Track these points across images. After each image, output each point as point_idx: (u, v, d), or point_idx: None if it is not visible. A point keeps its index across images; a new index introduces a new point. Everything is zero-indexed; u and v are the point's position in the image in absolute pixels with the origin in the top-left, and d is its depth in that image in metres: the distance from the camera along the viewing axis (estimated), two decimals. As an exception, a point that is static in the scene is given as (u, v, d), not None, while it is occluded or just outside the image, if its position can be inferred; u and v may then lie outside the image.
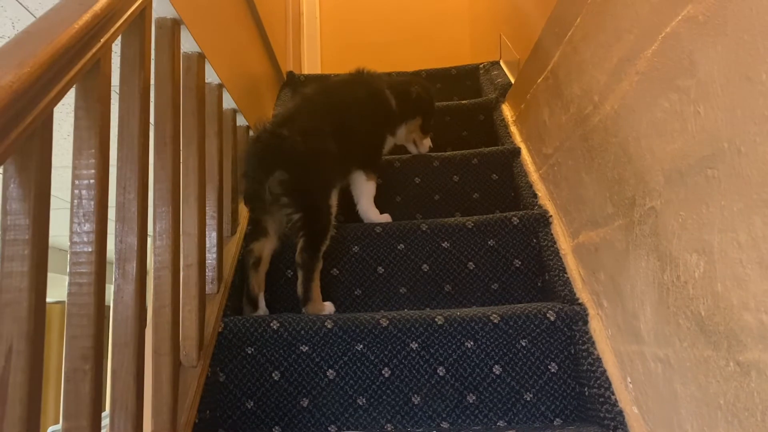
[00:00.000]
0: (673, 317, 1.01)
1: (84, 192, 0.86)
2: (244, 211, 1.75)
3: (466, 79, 2.73)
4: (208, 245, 1.45)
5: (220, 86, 1.58)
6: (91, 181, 0.87)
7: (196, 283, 1.30)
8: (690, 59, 0.93)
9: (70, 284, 0.84)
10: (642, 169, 1.12)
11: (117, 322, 0.98)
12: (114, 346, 0.98)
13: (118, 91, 1.04)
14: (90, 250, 0.85)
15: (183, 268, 1.29)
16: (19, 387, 0.68)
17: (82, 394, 0.82)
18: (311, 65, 3.28)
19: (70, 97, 0.89)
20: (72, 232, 0.85)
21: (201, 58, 1.39)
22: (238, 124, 1.78)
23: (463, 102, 2.41)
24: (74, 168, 0.87)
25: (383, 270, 1.69)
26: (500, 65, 2.64)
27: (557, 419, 1.36)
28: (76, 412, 0.82)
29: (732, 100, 0.83)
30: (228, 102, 1.66)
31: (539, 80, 1.79)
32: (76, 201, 0.86)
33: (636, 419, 1.16)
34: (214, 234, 1.49)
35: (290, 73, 2.69)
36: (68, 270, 0.85)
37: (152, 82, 1.18)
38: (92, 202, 0.86)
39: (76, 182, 0.87)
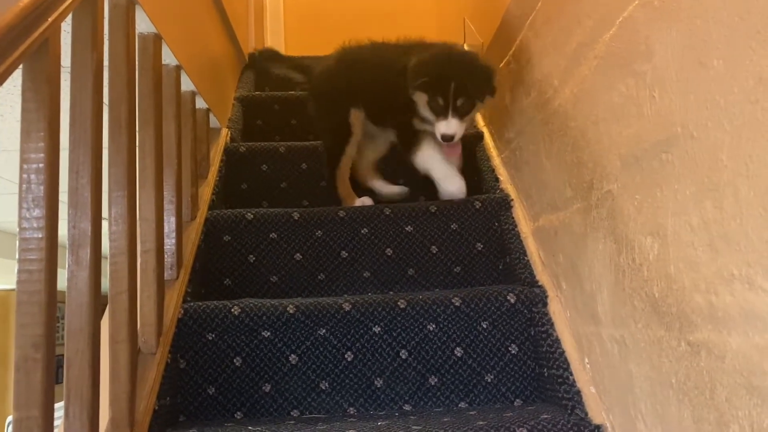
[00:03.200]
0: (628, 299, 1.03)
1: (33, 176, 0.84)
2: (204, 196, 1.73)
3: (430, 63, 2.71)
4: (166, 230, 1.42)
5: (178, 68, 1.54)
6: (40, 165, 0.84)
7: (154, 269, 1.28)
8: (646, 44, 0.94)
9: (19, 271, 0.82)
10: (599, 153, 1.13)
11: (71, 309, 0.96)
12: (68, 334, 0.96)
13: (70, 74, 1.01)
14: (40, 236, 0.82)
15: (140, 253, 1.27)
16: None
17: (33, 383, 0.80)
18: (274, 47, 3.22)
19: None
20: (21, 218, 0.82)
21: (157, 38, 1.36)
22: (197, 106, 1.75)
23: (427, 86, 2.40)
24: (22, 152, 0.84)
25: (347, 254, 1.69)
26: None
27: (517, 400, 1.38)
28: (27, 401, 0.80)
29: (686, 85, 0.84)
30: (187, 84, 1.63)
31: (501, 64, 1.80)
32: (24, 186, 0.83)
33: (593, 399, 1.19)
34: (173, 219, 1.46)
35: (252, 55, 2.65)
36: (17, 257, 0.82)
37: (106, 63, 1.14)
38: (41, 187, 0.83)
39: (25, 166, 0.84)
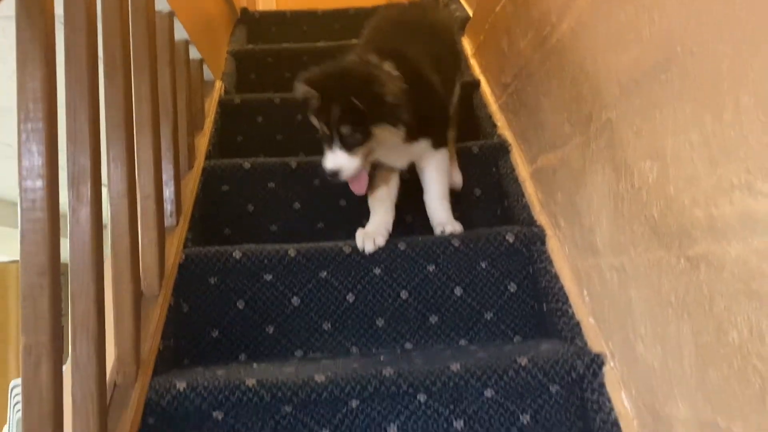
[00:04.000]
0: (628, 225, 1.04)
1: (31, 105, 0.83)
2: (201, 146, 1.72)
3: (424, 15, 2.69)
4: (165, 178, 1.42)
5: (171, 14, 1.52)
6: (38, 93, 0.84)
7: (154, 214, 1.28)
8: (645, -35, 0.93)
9: (23, 200, 0.82)
10: (598, 84, 1.13)
11: (74, 246, 0.96)
12: (72, 271, 0.96)
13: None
14: (41, 162, 0.82)
15: (140, 199, 1.27)
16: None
17: (40, 309, 0.81)
18: (265, 2, 3.19)
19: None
20: (21, 146, 0.82)
21: (149, -19, 1.34)
22: (191, 57, 1.73)
23: (422, 37, 2.37)
24: (19, 82, 0.83)
25: (345, 203, 1.69)
26: None
27: (517, 336, 1.40)
28: (35, 327, 0.81)
29: (686, 4, 0.83)
30: (180, 33, 1.61)
31: (497, 9, 1.78)
32: (23, 114, 0.83)
33: (592, 329, 1.21)
34: (171, 167, 1.46)
35: (244, 10, 2.61)
36: (19, 186, 0.82)
37: (99, 7, 1.13)
38: (40, 114, 0.83)
39: (22, 95, 0.83)
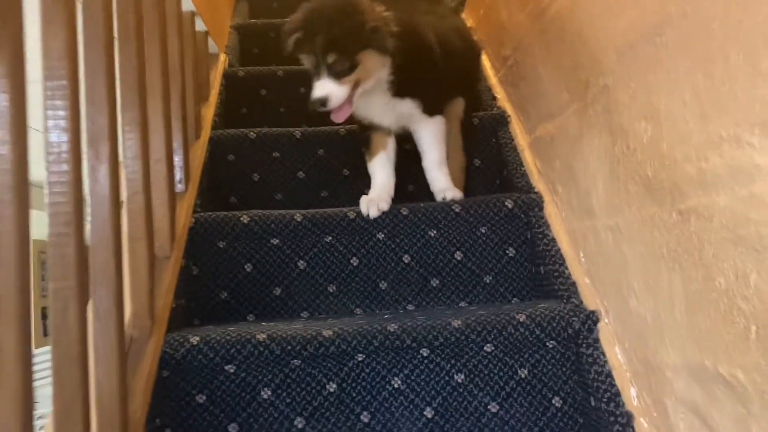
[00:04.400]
0: (623, 185, 1.09)
1: (55, 63, 0.87)
2: (207, 117, 1.76)
3: (424, -9, 2.71)
4: (174, 146, 1.45)
5: (179, -15, 1.55)
6: (62, 50, 0.87)
7: (165, 177, 1.32)
8: (642, -68, 0.97)
9: (48, 154, 0.86)
10: (596, 50, 1.17)
11: (94, 202, 1.00)
12: (93, 225, 1.00)
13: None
14: (65, 117, 0.86)
15: (152, 163, 1.30)
16: (6, 233, 0.71)
17: (67, 256, 0.85)
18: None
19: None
20: (46, 101, 0.86)
21: (158, -49, 1.37)
22: (197, 29, 1.76)
23: (422, 13, 2.41)
24: (43, 40, 0.87)
25: (349, 172, 1.73)
26: (458, -23, 2.64)
27: (515, 299, 1.45)
28: (63, 274, 0.85)
29: (679, -35, 0.87)
30: (187, 5, 1.64)
31: (497, -18, 1.82)
32: (47, 72, 0.87)
33: (587, 288, 1.26)
34: (180, 135, 1.49)
35: (245, -15, 2.64)
36: (45, 140, 0.86)
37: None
38: (64, 71, 0.87)
39: (46, 53, 0.87)
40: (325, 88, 1.34)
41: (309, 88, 1.95)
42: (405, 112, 1.49)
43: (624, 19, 1.04)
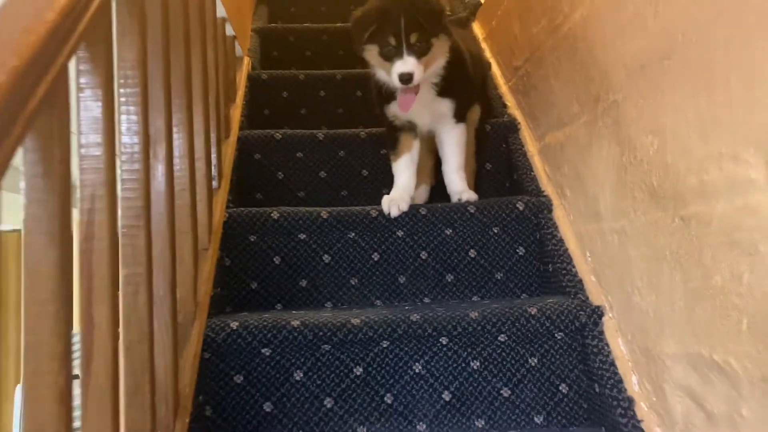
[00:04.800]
0: (629, 192, 1.20)
1: (129, 72, 0.97)
2: (235, 117, 1.86)
3: (436, -1, 2.82)
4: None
5: (214, -7, 1.65)
6: (134, 63, 0.97)
7: (204, 174, 1.43)
8: (653, -34, 1.08)
9: (122, 154, 0.96)
10: (606, 68, 1.28)
11: (152, 198, 1.10)
12: (154, 220, 1.10)
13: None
14: (137, 121, 0.96)
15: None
16: (102, 225, 0.81)
17: (137, 246, 0.96)
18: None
19: None
20: (119, 114, 0.96)
21: (200, -37, 1.47)
22: (227, 33, 1.86)
23: (434, 21, 2.51)
24: (119, 50, 0.97)
25: (367, 173, 1.84)
26: (468, -14, 2.75)
27: (524, 294, 1.56)
28: (134, 261, 0.95)
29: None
30: (220, 11, 1.74)
31: (511, -3, 1.92)
32: (121, 80, 0.97)
33: (593, 285, 1.37)
34: (214, 135, 1.59)
35: (264, -11, 2.74)
36: (118, 141, 0.96)
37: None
38: (137, 80, 0.97)
39: (121, 63, 0.97)
40: (409, 64, 1.44)
41: (329, 91, 2.07)
42: (440, 111, 1.62)
43: (635, 42, 1.15)
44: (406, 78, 1.45)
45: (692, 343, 1.01)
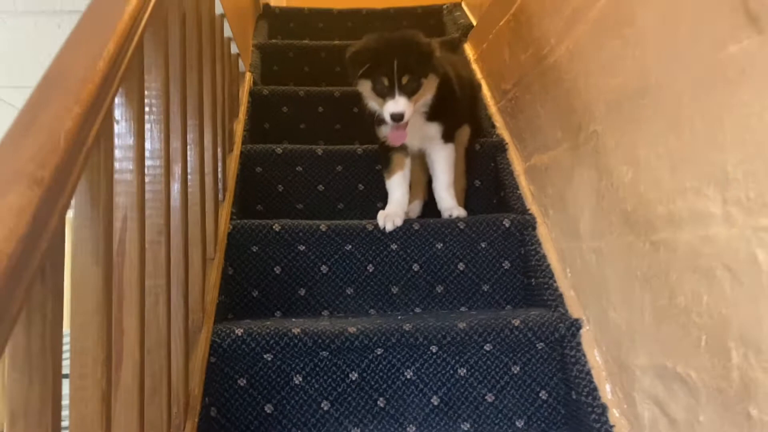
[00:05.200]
0: (606, 216, 1.31)
1: (154, 101, 1.07)
2: (238, 132, 1.95)
3: (430, 18, 2.93)
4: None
5: (222, 16, 1.75)
6: (159, 92, 1.07)
7: (212, 188, 1.52)
8: (632, 13, 1.19)
9: (147, 175, 1.05)
10: (588, 100, 1.39)
11: (172, 213, 1.19)
12: (172, 232, 1.20)
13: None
14: (159, 147, 1.05)
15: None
16: (132, 241, 0.90)
17: (159, 259, 1.05)
18: (278, -2, 3.39)
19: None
20: (143, 139, 1.05)
21: (212, -10, 1.57)
22: (232, 52, 1.95)
23: (428, 40, 2.62)
24: (146, 86, 1.06)
25: (363, 187, 1.94)
26: (462, 6, 2.86)
27: (508, 306, 1.67)
28: (155, 273, 1.05)
29: (660, 47, 1.10)
30: (226, 31, 1.83)
31: (502, 23, 2.03)
32: (148, 108, 1.06)
33: (572, 299, 1.48)
34: (220, 150, 1.69)
35: (266, 5, 2.83)
36: (141, 164, 1.06)
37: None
38: (161, 108, 1.06)
39: (147, 93, 1.06)
40: (400, 104, 1.54)
41: (327, 107, 2.17)
42: (430, 134, 1.72)
43: (614, 79, 1.27)
44: (397, 117, 1.54)
45: (659, 356, 1.12)
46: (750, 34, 0.87)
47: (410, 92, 1.56)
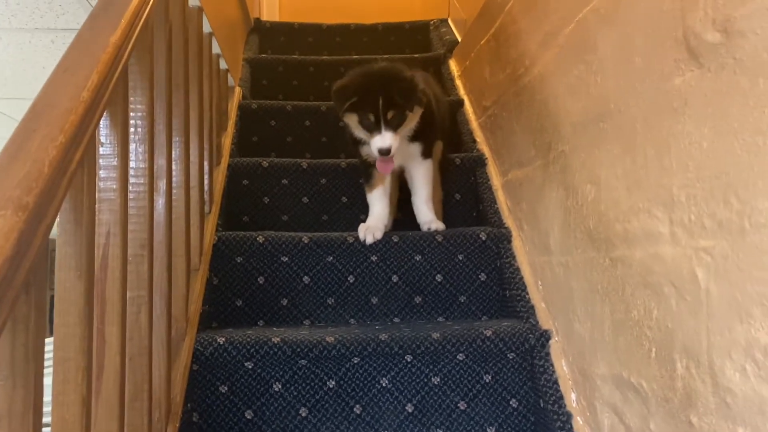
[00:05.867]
0: (572, 232, 1.38)
1: (139, 122, 1.13)
2: (226, 145, 2.01)
3: (417, 34, 3.00)
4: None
5: (211, 35, 1.81)
6: (144, 113, 1.13)
7: (198, 201, 1.58)
8: (594, 40, 1.26)
9: (130, 192, 1.11)
10: (557, 121, 1.46)
11: (155, 227, 1.25)
12: (155, 245, 1.25)
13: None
14: (144, 166, 1.11)
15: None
16: (115, 256, 0.96)
17: (141, 272, 1.11)
18: (270, 12, 3.46)
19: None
20: (129, 158, 1.11)
21: (200, 11, 1.63)
22: (221, 68, 2.02)
23: (415, 55, 2.70)
24: (131, 103, 1.12)
25: (347, 200, 2.00)
26: (448, 23, 2.93)
27: (484, 316, 1.73)
28: (137, 285, 1.10)
29: (617, 74, 1.17)
30: (215, 48, 1.90)
31: (482, 42, 2.10)
32: (132, 129, 1.12)
33: (543, 311, 1.54)
34: (206, 163, 1.75)
35: (257, 20, 2.90)
36: (124, 182, 1.12)
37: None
38: (145, 129, 1.12)
39: (132, 114, 1.12)
40: (387, 139, 1.60)
41: (314, 121, 2.23)
42: (410, 153, 1.78)
43: (579, 102, 1.33)
44: (384, 152, 1.60)
45: (616, 366, 1.18)
46: (691, 67, 0.93)
47: (396, 126, 1.61)
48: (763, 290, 0.79)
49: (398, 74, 1.66)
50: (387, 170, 1.69)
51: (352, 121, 1.66)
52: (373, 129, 1.61)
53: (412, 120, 1.68)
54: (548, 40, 1.51)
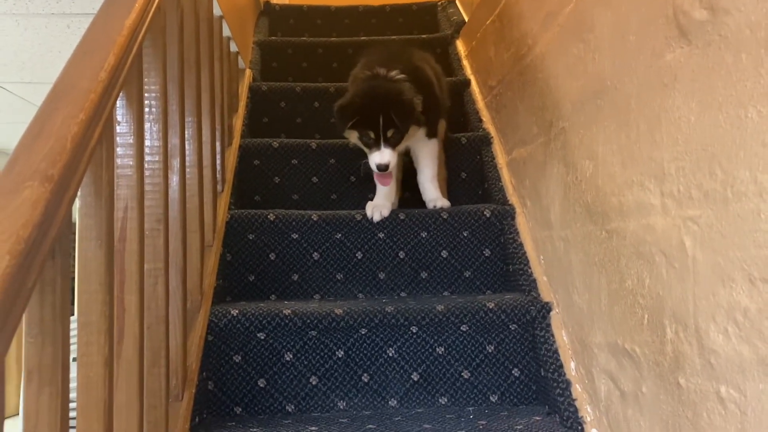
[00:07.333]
0: (572, 206, 1.42)
1: (153, 102, 1.18)
2: (237, 126, 2.06)
3: (425, 15, 3.03)
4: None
5: (221, 18, 1.86)
6: (156, 93, 1.18)
7: (211, 180, 1.64)
8: (591, 20, 1.29)
9: (146, 170, 1.17)
10: (558, 99, 1.49)
11: (169, 204, 1.31)
12: (171, 221, 1.31)
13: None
14: (158, 144, 1.17)
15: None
16: (132, 229, 1.02)
17: (158, 245, 1.17)
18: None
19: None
20: (143, 137, 1.17)
21: (210, -6, 1.67)
22: (231, 50, 2.06)
23: (423, 36, 2.73)
24: (145, 84, 1.18)
25: (355, 179, 2.05)
26: (456, 3, 2.95)
27: (488, 290, 1.78)
28: (154, 257, 1.16)
29: (613, 52, 1.20)
30: (225, 31, 1.94)
31: (488, 22, 2.13)
32: (147, 109, 1.18)
33: (544, 284, 1.59)
34: (219, 144, 1.80)
35: (267, 3, 2.93)
36: (141, 160, 1.17)
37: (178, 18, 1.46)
38: (159, 110, 1.18)
39: (146, 95, 1.18)
40: (386, 155, 1.67)
41: (323, 103, 2.28)
42: (416, 135, 1.82)
43: (578, 80, 1.37)
44: (383, 168, 1.68)
45: (612, 335, 1.23)
46: (681, 44, 0.97)
47: (394, 143, 1.68)
48: (742, 255, 0.83)
49: (399, 96, 1.70)
50: (386, 183, 1.76)
51: (353, 137, 1.74)
52: (373, 146, 1.69)
53: (410, 137, 1.74)
54: (549, 20, 1.54)
